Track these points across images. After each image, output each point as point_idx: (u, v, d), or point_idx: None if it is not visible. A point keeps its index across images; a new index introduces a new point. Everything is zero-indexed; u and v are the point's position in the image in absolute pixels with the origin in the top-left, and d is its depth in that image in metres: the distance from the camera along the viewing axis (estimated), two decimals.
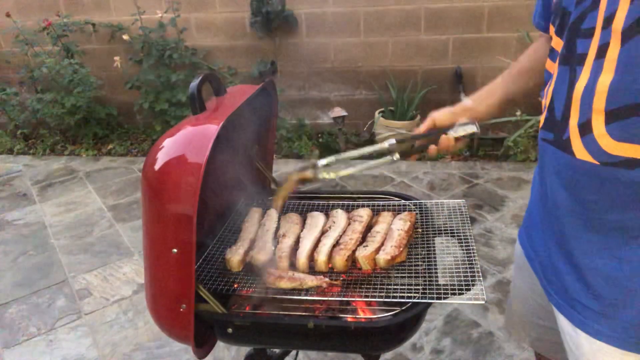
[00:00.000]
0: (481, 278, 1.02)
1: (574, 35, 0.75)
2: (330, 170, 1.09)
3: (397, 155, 1.07)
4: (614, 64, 0.68)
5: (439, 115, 1.07)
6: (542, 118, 0.86)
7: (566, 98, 0.77)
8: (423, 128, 1.08)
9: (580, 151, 0.75)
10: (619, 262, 0.77)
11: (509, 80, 1.08)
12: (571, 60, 0.76)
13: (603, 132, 0.71)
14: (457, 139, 1.05)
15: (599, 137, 0.72)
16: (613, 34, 0.67)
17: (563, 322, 0.90)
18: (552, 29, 0.84)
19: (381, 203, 1.36)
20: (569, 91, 0.76)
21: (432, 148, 1.06)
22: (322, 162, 1.07)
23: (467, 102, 1.09)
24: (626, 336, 0.79)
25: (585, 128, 0.74)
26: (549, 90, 0.83)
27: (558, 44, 0.81)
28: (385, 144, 1.07)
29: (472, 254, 1.10)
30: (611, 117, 0.70)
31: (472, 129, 1.05)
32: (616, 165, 0.72)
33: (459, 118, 1.06)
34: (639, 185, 0.71)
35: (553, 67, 0.83)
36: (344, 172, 1.10)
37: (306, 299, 1.06)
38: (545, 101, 0.84)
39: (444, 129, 1.06)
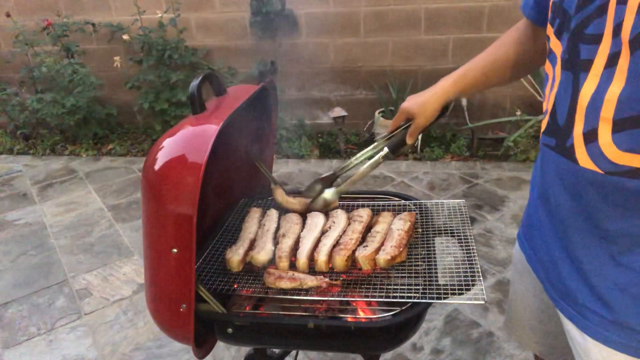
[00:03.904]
0: (481, 278, 1.02)
1: (576, 40, 0.73)
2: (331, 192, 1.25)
3: (386, 152, 1.15)
4: (624, 73, 0.66)
5: (410, 106, 1.12)
6: (543, 122, 0.85)
7: (570, 105, 0.75)
8: (399, 121, 1.14)
9: (584, 159, 0.74)
10: (624, 269, 0.76)
11: (490, 69, 1.07)
12: (574, 66, 0.74)
13: (609, 141, 0.70)
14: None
15: (605, 146, 0.71)
16: (623, 43, 0.66)
17: (570, 328, 0.88)
18: (550, 29, 0.81)
19: (381, 203, 1.36)
20: (573, 98, 0.74)
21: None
22: (330, 191, 1.23)
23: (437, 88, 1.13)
24: (636, 343, 0.78)
25: (590, 136, 0.72)
26: (550, 94, 0.81)
27: (557, 46, 0.79)
28: (381, 155, 1.15)
29: (472, 254, 1.09)
30: (618, 126, 0.68)
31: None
32: (621, 175, 0.70)
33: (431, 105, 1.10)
34: None
35: (551, 70, 0.81)
36: (343, 187, 1.22)
37: (306, 299, 1.06)
38: (547, 105, 0.83)
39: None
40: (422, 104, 1.10)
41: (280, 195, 1.36)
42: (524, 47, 1.03)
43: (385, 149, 1.15)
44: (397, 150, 1.15)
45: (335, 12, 3.79)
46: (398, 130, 1.15)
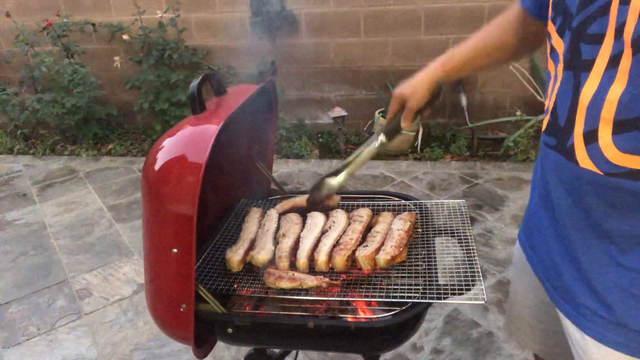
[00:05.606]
0: (481, 278, 1.02)
1: (578, 40, 0.73)
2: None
3: (382, 138, 1.15)
4: (626, 74, 0.66)
5: (402, 90, 1.15)
6: (544, 121, 0.84)
7: (570, 105, 0.75)
8: (394, 107, 1.15)
9: (584, 160, 0.74)
10: (624, 269, 0.76)
11: (477, 50, 1.10)
12: (576, 65, 0.74)
13: (609, 142, 0.70)
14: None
15: (605, 147, 0.70)
16: (625, 44, 0.65)
17: (569, 327, 0.88)
18: (551, 27, 0.81)
19: (381, 203, 1.36)
20: (574, 98, 0.74)
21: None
22: (334, 180, 1.19)
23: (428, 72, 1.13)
24: (635, 343, 0.78)
25: (590, 137, 0.72)
26: (552, 93, 0.81)
27: (559, 44, 0.79)
28: (377, 144, 1.14)
29: (472, 254, 1.10)
30: (619, 127, 0.68)
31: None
32: (620, 176, 0.70)
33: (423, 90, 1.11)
34: None
35: (554, 68, 0.81)
36: (342, 177, 1.19)
37: (306, 299, 1.06)
38: (549, 104, 0.83)
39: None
40: (413, 86, 1.12)
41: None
42: (514, 33, 1.05)
43: (382, 136, 1.14)
44: (393, 135, 1.14)
45: (335, 12, 3.79)
46: (395, 120, 1.15)
